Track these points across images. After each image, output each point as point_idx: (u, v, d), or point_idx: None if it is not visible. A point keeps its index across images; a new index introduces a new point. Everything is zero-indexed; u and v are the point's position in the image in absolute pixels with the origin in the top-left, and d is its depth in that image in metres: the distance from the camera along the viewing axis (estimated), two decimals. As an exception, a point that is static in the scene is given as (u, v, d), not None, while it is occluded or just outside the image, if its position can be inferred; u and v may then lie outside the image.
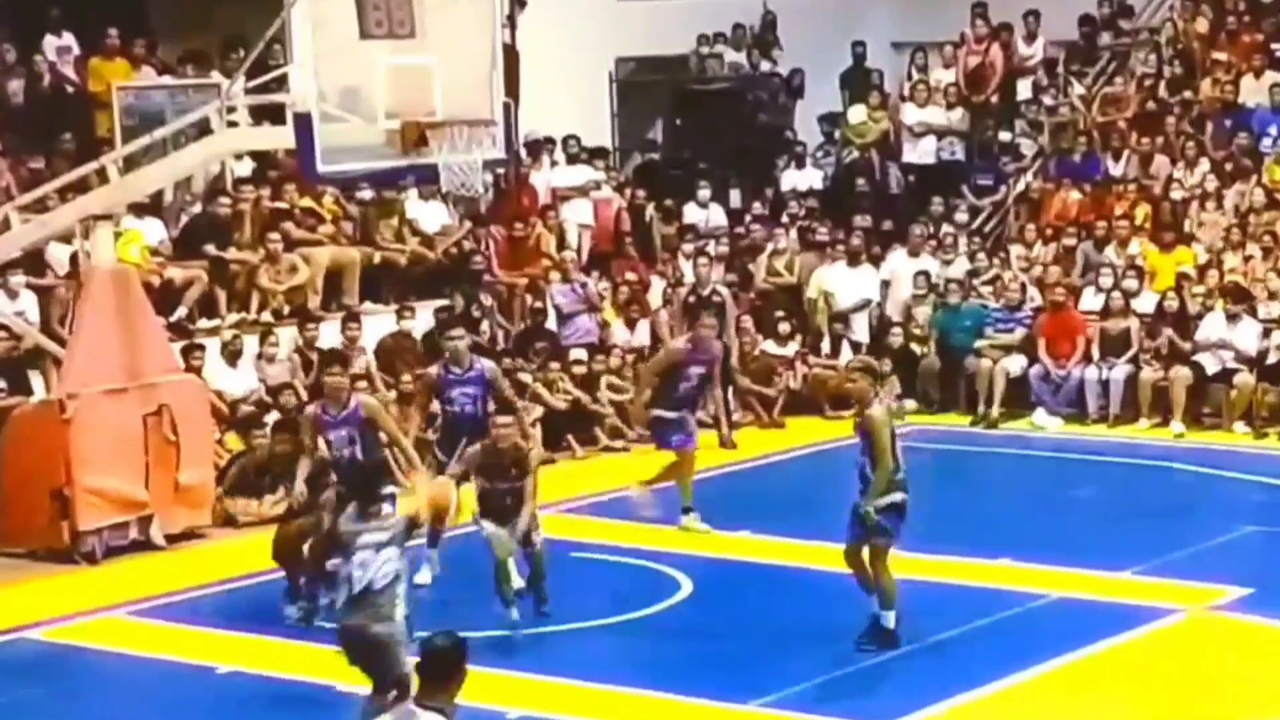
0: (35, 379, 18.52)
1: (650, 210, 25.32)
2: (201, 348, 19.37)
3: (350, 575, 11.28)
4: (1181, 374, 21.49)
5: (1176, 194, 24.24)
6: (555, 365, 21.65)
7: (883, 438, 13.53)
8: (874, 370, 14.30)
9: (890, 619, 13.67)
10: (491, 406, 15.44)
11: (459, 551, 16.14)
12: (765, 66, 28.59)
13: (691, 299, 21.87)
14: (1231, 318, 21.62)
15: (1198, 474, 19.60)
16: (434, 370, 16.35)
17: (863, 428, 13.67)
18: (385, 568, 11.24)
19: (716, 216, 25.75)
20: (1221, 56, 25.93)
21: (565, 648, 14.27)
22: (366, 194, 22.36)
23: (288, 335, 20.47)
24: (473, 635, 14.06)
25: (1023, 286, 23.16)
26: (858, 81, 28.43)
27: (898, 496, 13.64)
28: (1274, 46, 25.81)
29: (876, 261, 24.26)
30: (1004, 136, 26.89)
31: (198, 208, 21.47)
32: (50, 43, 22.47)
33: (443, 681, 8.48)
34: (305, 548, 14.97)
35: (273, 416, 18.96)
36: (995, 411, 22.31)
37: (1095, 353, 22.31)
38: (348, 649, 11.49)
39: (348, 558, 11.28)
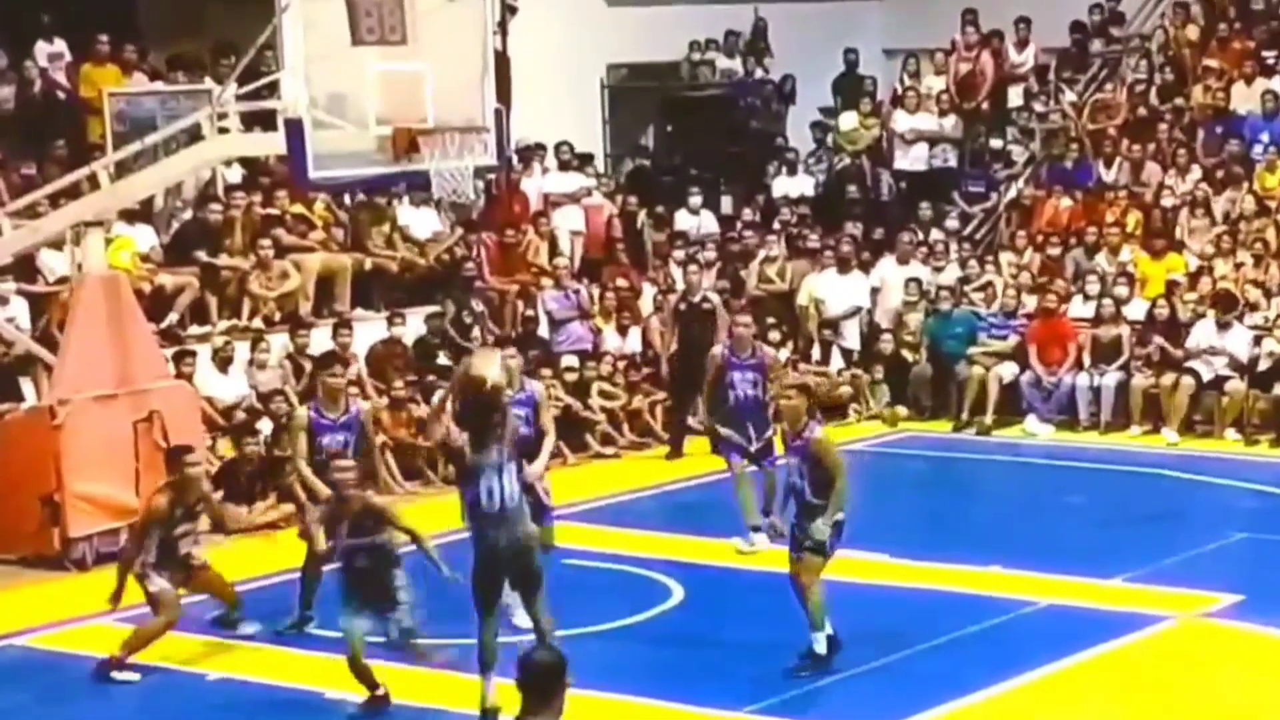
0: (26, 385, 18.50)
1: (642, 217, 25.33)
2: (192, 354, 19.36)
3: (480, 499, 12.07)
4: (1184, 383, 21.50)
5: (1167, 201, 24.27)
6: (547, 372, 21.62)
7: (834, 457, 13.49)
8: (810, 390, 14.17)
9: (819, 641, 13.43)
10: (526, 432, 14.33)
11: (448, 559, 16.14)
12: (758, 73, 28.59)
13: (682, 306, 21.87)
14: (1222, 325, 21.64)
15: (1189, 481, 19.62)
16: None
17: (809, 451, 13.45)
18: (510, 487, 12.10)
19: (708, 223, 25.76)
20: (1213, 63, 25.94)
21: (569, 653, 14.23)
22: (358, 200, 22.39)
23: (279, 342, 20.47)
24: (462, 642, 14.20)
25: (1017, 293, 23.16)
26: (849, 88, 28.44)
27: (841, 515, 13.58)
28: (1265, 54, 25.83)
29: (867, 268, 24.27)
30: (995, 143, 26.91)
31: (189, 214, 21.46)
32: (42, 49, 22.45)
33: (546, 699, 8.22)
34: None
35: (264, 423, 18.97)
36: (989, 419, 22.32)
37: (1086, 360, 22.33)
38: (498, 564, 12.25)
39: (475, 485, 12.08)
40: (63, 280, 18.97)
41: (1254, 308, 22.13)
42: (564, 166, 25.19)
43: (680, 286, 23.16)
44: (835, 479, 13.39)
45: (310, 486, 14.44)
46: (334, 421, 14.65)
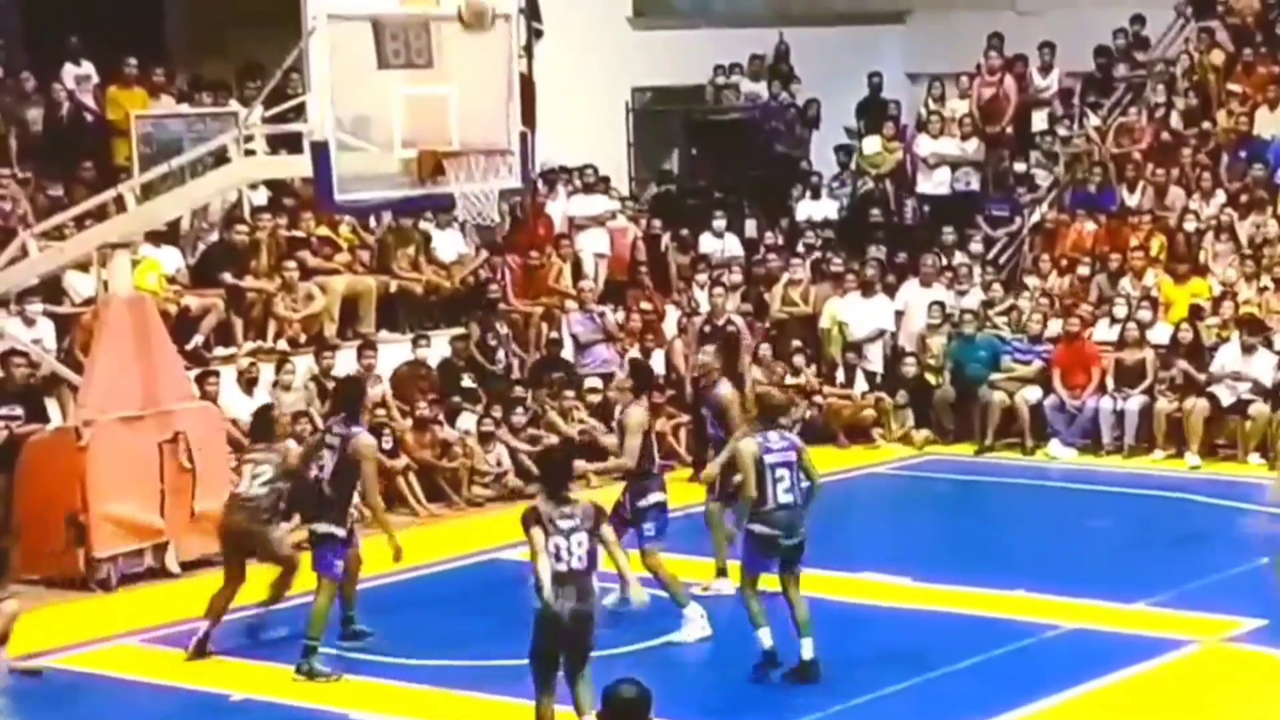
0: (52, 406, 18.56)
1: (666, 240, 25.37)
2: (217, 375, 19.41)
3: (550, 558, 11.59)
4: (1199, 405, 21.47)
5: (1191, 225, 24.24)
6: (570, 394, 21.68)
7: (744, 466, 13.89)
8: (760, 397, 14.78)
9: (759, 638, 13.89)
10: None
11: (471, 581, 16.21)
12: (782, 97, 28.63)
13: (706, 328, 21.89)
14: (1247, 349, 21.62)
15: (1212, 505, 19.58)
16: None
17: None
18: (580, 550, 11.64)
19: (732, 246, 25.78)
20: (1237, 88, 25.94)
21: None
22: (384, 222, 22.46)
23: (304, 363, 20.51)
24: (481, 664, 14.23)
25: (1043, 318, 23.13)
26: (873, 112, 28.47)
27: (754, 526, 13.86)
28: (1289, 79, 25.85)
29: (891, 291, 24.28)
30: (1019, 167, 26.91)
31: (214, 236, 21.53)
32: (69, 71, 22.56)
33: None
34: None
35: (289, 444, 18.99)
36: (1029, 442, 22.33)
37: (1110, 384, 22.31)
38: (556, 631, 11.67)
39: (544, 544, 11.62)
40: (89, 302, 19.05)
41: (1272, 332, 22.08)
42: (588, 189, 25.24)
43: (704, 309, 23.21)
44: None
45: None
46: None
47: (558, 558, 11.58)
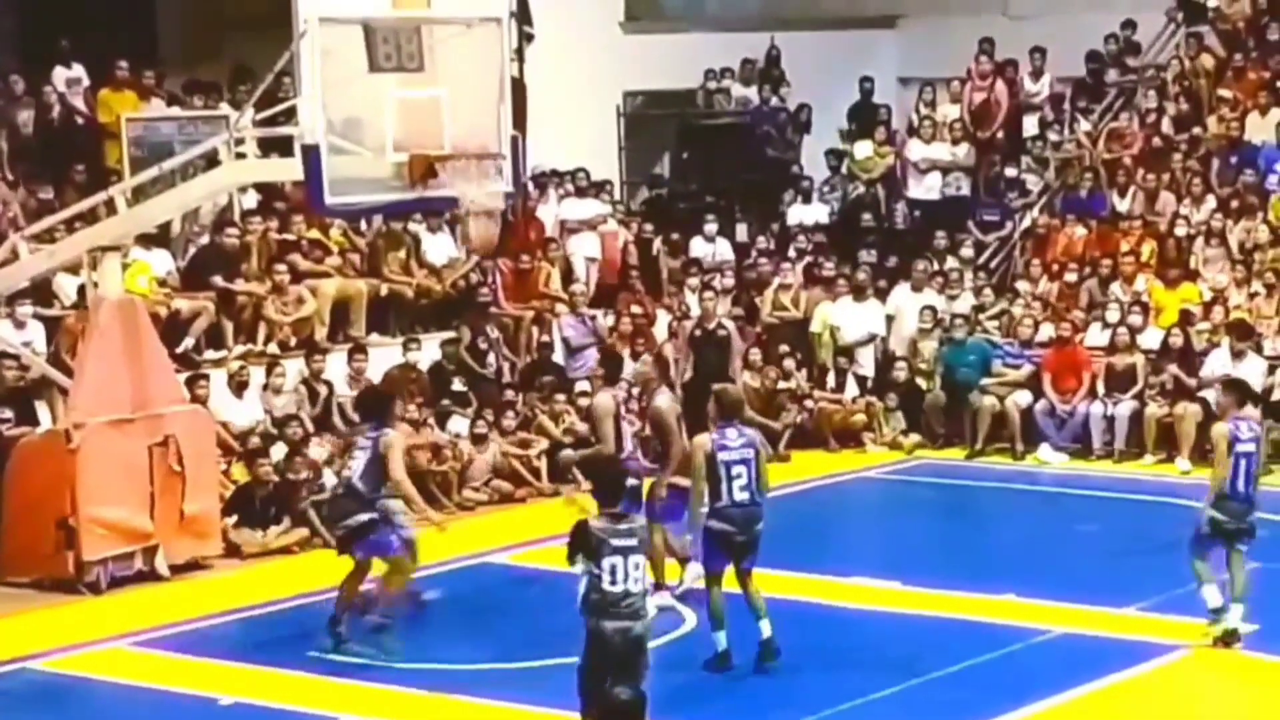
0: (42, 409, 18.53)
1: (657, 244, 25.36)
2: (207, 378, 19.39)
3: (601, 579, 11.21)
4: (1191, 411, 21.47)
5: (1182, 230, 24.26)
6: (561, 398, 21.68)
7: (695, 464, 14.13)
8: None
9: (716, 640, 14.09)
10: None
11: (455, 583, 16.21)
12: (774, 101, 28.64)
13: (697, 332, 21.88)
14: (1237, 354, 21.63)
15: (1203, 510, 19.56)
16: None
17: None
18: (636, 572, 11.27)
19: (723, 250, 25.79)
20: (1228, 94, 25.97)
21: (568, 680, 14.26)
22: (375, 226, 22.46)
23: (294, 367, 20.50)
24: (471, 667, 14.23)
25: (1033, 323, 23.15)
26: (864, 117, 28.48)
27: (710, 523, 14.09)
28: (1280, 84, 25.88)
29: (882, 296, 24.29)
30: (1010, 172, 26.93)
31: (205, 239, 21.51)
32: (60, 74, 22.53)
33: None
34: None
35: (278, 448, 19.00)
36: (1020, 446, 22.34)
37: (1100, 388, 22.32)
38: (607, 652, 11.30)
39: (597, 563, 11.20)
40: (75, 306, 19.04)
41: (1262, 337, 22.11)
42: (580, 193, 25.23)
43: (695, 313, 23.20)
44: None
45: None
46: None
47: (613, 579, 11.21)
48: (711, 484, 14.02)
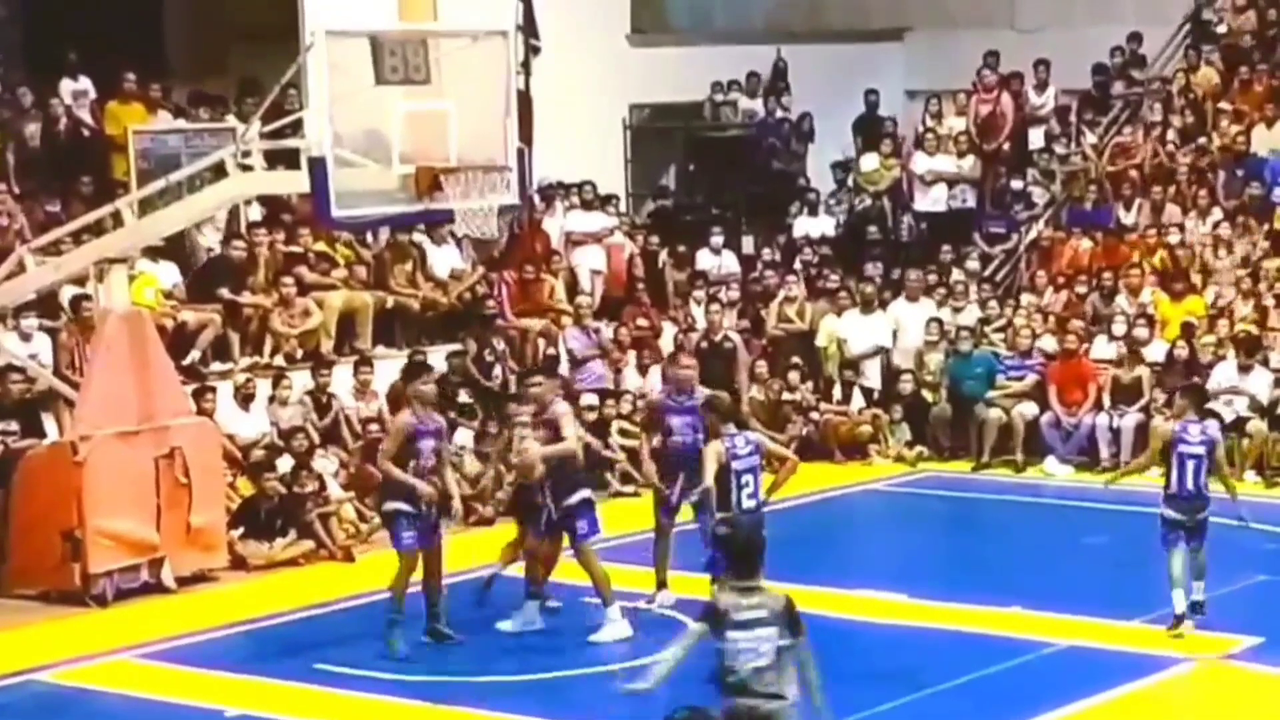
0: (48, 421, 18.55)
1: (663, 256, 25.38)
2: (213, 391, 19.41)
3: (727, 655, 10.26)
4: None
5: (1187, 243, 24.25)
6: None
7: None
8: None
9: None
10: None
11: (464, 594, 16.20)
12: (778, 113, 28.65)
13: (703, 345, 21.89)
14: (1244, 367, 21.63)
15: (1209, 523, 19.54)
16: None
17: None
18: (765, 646, 10.23)
19: (729, 263, 25.80)
20: (1234, 106, 25.98)
21: (575, 692, 14.28)
22: (382, 238, 22.48)
23: (300, 379, 20.51)
24: (478, 680, 14.23)
25: (1031, 334, 23.16)
26: (870, 129, 28.50)
27: (720, 530, 13.85)
28: (1286, 97, 25.89)
29: (887, 308, 24.30)
30: (1016, 185, 26.94)
31: (213, 250, 21.52)
32: (67, 86, 22.58)
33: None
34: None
35: (284, 460, 19.02)
36: (1019, 458, 22.34)
37: (1106, 401, 22.31)
38: None
39: (721, 636, 10.29)
40: (71, 320, 19.06)
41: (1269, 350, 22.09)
42: (586, 206, 25.25)
43: (701, 326, 23.22)
44: None
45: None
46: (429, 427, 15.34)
47: (739, 655, 10.16)
48: (722, 492, 14.01)
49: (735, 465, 14.00)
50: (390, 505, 15.22)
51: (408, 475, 15.04)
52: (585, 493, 15.60)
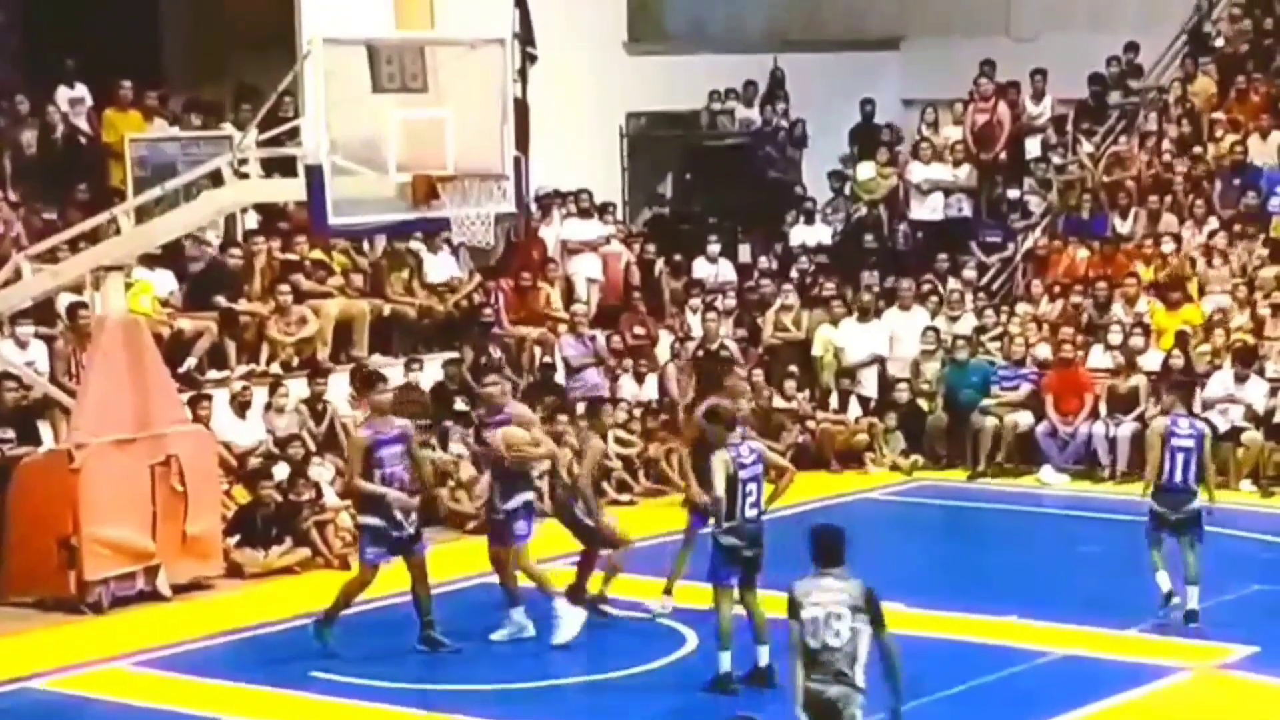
0: (44, 429, 18.54)
1: (659, 264, 25.38)
2: (209, 398, 19.40)
3: (803, 636, 10.57)
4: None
5: (1183, 253, 24.27)
6: (563, 418, 21.64)
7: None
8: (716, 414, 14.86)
9: (720, 660, 14.06)
10: None
11: (458, 603, 16.20)
12: (775, 121, 28.66)
13: (700, 353, 21.89)
14: (1240, 378, 21.64)
15: (1204, 532, 19.54)
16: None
17: None
18: (837, 626, 10.55)
19: (726, 271, 25.81)
20: (1230, 116, 26.00)
21: (570, 700, 14.28)
22: (379, 246, 22.48)
23: (297, 387, 20.50)
24: (472, 688, 14.23)
25: (1025, 343, 23.17)
26: (866, 138, 28.52)
27: (723, 538, 14.07)
28: (1282, 107, 25.92)
29: (885, 317, 24.31)
30: (1012, 194, 26.95)
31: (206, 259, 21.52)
32: (64, 94, 22.56)
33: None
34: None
35: (280, 468, 19.01)
36: (1016, 465, 22.41)
37: (1103, 410, 22.32)
38: (810, 713, 10.63)
39: (796, 617, 10.62)
40: (68, 327, 19.06)
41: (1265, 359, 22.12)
42: (582, 214, 25.25)
43: (697, 334, 23.22)
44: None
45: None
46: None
47: (812, 635, 10.49)
48: (727, 501, 14.03)
49: (741, 474, 14.03)
50: (361, 519, 15.44)
51: (377, 486, 15.11)
52: (529, 495, 15.80)
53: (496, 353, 22.46)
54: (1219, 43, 27.51)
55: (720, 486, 14.00)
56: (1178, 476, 15.79)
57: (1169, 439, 15.82)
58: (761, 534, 14.19)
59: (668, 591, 16.23)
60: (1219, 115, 26.12)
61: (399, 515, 15.15)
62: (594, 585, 16.10)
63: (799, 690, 10.44)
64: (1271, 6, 27.57)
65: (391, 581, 15.51)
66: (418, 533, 15.41)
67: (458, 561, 17.42)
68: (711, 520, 14.49)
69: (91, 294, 17.74)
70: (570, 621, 15.41)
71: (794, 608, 10.53)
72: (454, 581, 16.96)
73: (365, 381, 16.83)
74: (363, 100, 15.63)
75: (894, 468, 22.99)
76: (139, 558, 17.22)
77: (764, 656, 14.07)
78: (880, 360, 24.00)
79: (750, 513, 14.07)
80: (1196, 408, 21.74)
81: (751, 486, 14.10)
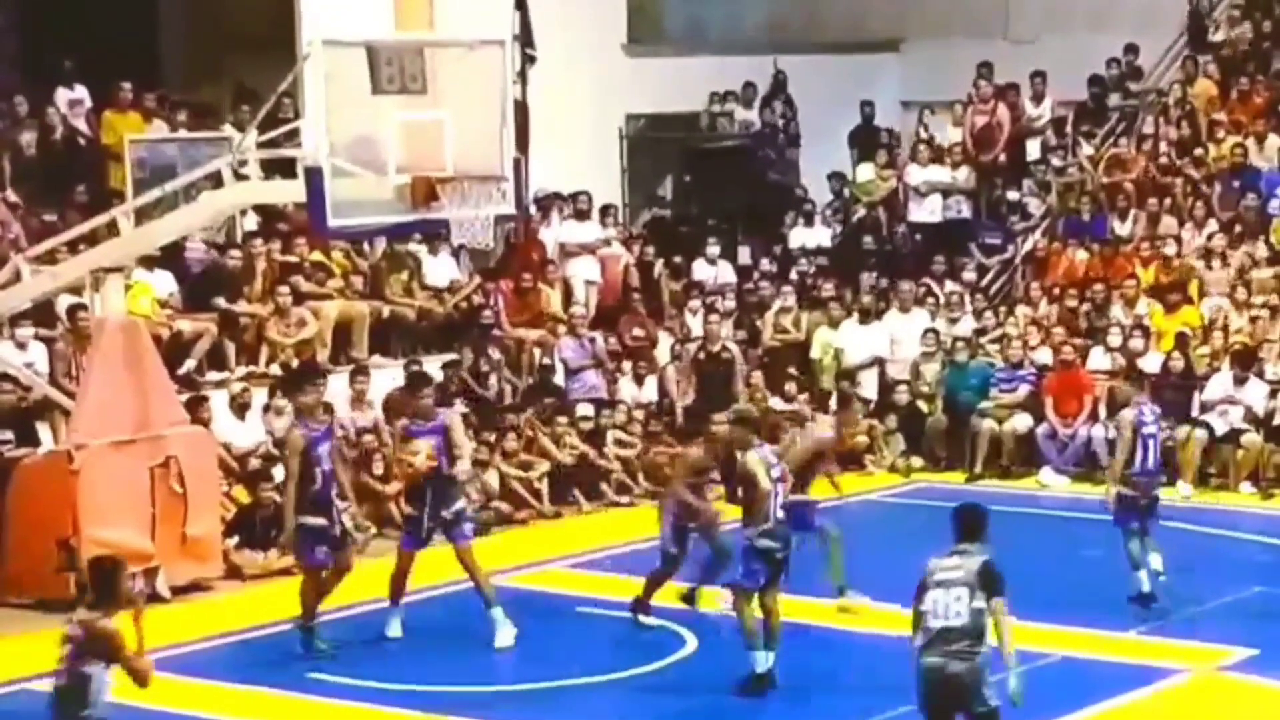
0: (43, 430, 18.54)
1: (659, 266, 25.38)
2: (209, 400, 19.39)
3: (923, 613, 10.99)
4: (1197, 436, 21.49)
5: (1183, 254, 24.27)
6: (562, 420, 21.68)
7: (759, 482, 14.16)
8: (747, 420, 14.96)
9: (755, 660, 14.05)
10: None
11: (455, 605, 16.21)
12: (774, 121, 28.67)
13: (701, 355, 21.89)
14: (1239, 380, 21.64)
15: (1204, 534, 19.57)
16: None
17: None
18: (957, 605, 10.97)
19: (725, 273, 25.81)
20: (1230, 118, 26.00)
21: (571, 702, 14.28)
22: (378, 248, 22.49)
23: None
24: (469, 689, 14.22)
25: (1023, 345, 23.17)
26: (865, 140, 28.52)
27: (760, 542, 14.11)
28: (1282, 109, 25.92)
29: (883, 318, 24.32)
30: (1012, 196, 26.95)
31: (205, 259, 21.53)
32: (63, 95, 22.56)
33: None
34: None
35: (280, 469, 18.98)
36: (1015, 467, 22.41)
37: (1103, 412, 22.31)
38: (921, 689, 11.04)
39: (921, 597, 11.05)
40: (69, 329, 19.05)
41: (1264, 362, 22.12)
42: (579, 217, 25.24)
43: (696, 335, 23.23)
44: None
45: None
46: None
47: (933, 614, 10.95)
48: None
49: (771, 474, 14.17)
50: (302, 520, 15.37)
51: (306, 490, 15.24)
52: (463, 502, 16.05)
53: (496, 355, 22.47)
54: (1219, 39, 27.47)
55: (766, 482, 14.04)
56: (1149, 462, 16.47)
57: (1140, 428, 16.42)
58: (790, 535, 14.30)
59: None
60: (1219, 117, 26.11)
61: (336, 514, 15.31)
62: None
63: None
64: (1271, 8, 27.57)
65: (380, 587, 15.51)
66: (344, 532, 15.60)
67: (457, 563, 17.39)
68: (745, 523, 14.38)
69: (91, 295, 17.74)
70: (507, 631, 15.50)
71: (922, 584, 11.07)
72: (456, 583, 16.96)
73: (293, 381, 16.86)
74: (362, 102, 15.64)
75: (893, 469, 23.00)
76: (138, 559, 17.17)
77: (768, 662, 14.07)
78: (880, 361, 24.00)
79: (779, 515, 14.18)
80: (1195, 410, 21.87)
81: (781, 488, 14.21)
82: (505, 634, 15.50)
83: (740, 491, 14.47)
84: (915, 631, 11.03)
